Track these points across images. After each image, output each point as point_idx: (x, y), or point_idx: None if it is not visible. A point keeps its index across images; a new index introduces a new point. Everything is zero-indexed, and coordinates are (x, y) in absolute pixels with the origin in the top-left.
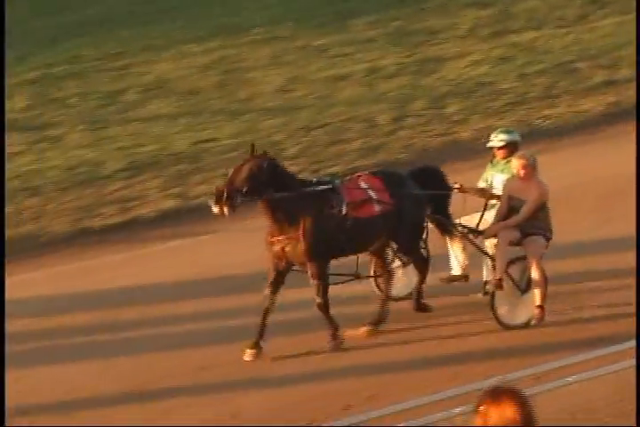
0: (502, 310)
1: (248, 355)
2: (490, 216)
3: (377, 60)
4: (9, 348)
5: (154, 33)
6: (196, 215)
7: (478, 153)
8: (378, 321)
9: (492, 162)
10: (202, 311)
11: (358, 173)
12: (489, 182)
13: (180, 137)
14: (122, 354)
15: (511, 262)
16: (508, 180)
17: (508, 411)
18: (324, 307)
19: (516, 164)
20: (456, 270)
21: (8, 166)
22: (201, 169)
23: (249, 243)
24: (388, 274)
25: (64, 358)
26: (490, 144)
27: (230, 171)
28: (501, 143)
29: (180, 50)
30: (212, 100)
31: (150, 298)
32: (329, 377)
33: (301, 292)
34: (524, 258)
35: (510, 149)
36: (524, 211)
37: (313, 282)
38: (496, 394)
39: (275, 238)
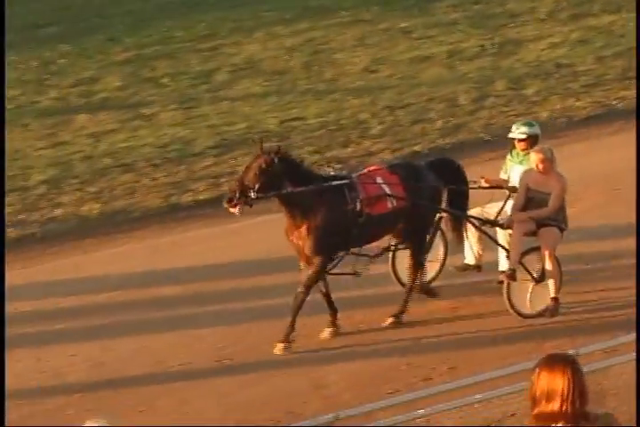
0: (517, 300)
1: (326, 333)
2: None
3: (458, 43)
4: (99, 320)
5: (243, 15)
6: None
7: (557, 133)
8: (400, 312)
9: (511, 153)
10: (287, 285)
11: (376, 166)
12: (508, 173)
13: (269, 116)
14: (209, 326)
15: (526, 253)
16: (525, 171)
17: (558, 377)
18: (300, 300)
19: (534, 158)
20: (470, 260)
21: (102, 143)
22: (289, 147)
23: None
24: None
25: (152, 330)
26: (510, 135)
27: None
28: (522, 136)
29: (269, 31)
30: (300, 80)
31: (237, 272)
32: (410, 350)
33: (379, 268)
34: (538, 248)
35: (531, 141)
36: (553, 205)
37: (307, 273)
38: (551, 360)
39: (292, 237)
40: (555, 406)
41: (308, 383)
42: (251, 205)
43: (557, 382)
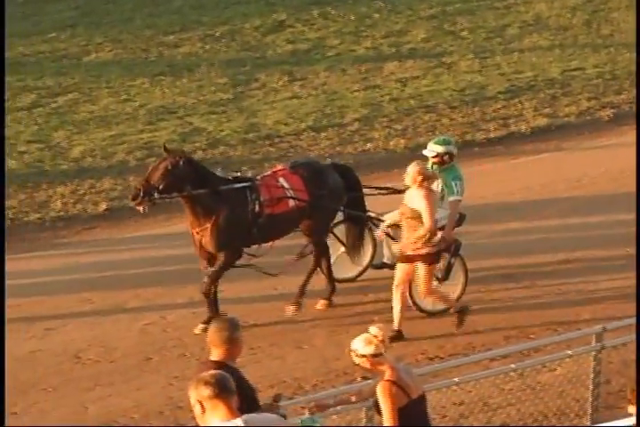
0: (419, 298)
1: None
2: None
3: None
4: None
5: None
6: (564, 132)
7: None
8: (331, 293)
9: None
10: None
11: (278, 168)
12: None
13: (553, 66)
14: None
15: None
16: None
17: None
18: (206, 292)
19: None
20: (387, 258)
21: (408, 87)
22: (568, 93)
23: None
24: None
25: None
26: (424, 152)
27: (149, 169)
28: (433, 153)
29: None
30: (580, 35)
31: (520, 202)
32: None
33: None
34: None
35: (443, 157)
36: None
37: (212, 268)
38: None
39: (194, 231)
40: None
41: (580, 298)
42: (154, 204)
43: None
